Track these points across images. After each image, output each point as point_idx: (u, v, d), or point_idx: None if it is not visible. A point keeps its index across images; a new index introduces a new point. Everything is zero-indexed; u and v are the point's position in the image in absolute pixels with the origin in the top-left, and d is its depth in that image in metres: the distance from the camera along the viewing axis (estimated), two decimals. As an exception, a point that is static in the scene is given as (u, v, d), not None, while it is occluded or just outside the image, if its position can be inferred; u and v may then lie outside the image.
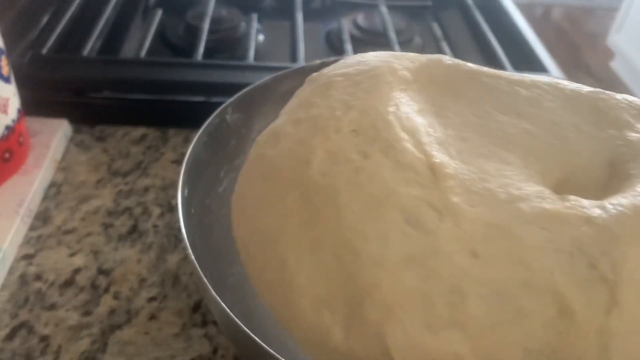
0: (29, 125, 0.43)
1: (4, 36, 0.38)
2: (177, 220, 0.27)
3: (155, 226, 0.40)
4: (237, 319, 0.22)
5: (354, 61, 0.25)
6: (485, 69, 0.26)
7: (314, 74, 0.26)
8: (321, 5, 0.68)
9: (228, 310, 0.22)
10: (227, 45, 0.57)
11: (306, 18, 0.59)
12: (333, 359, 0.19)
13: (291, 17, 0.59)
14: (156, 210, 0.41)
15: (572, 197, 0.19)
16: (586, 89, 0.25)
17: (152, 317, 0.34)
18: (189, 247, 0.25)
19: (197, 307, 0.35)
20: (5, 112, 0.38)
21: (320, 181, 0.19)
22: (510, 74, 0.26)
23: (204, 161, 0.31)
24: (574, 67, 1.98)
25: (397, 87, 0.22)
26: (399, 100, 0.22)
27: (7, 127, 0.39)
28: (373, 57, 0.25)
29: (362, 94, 0.22)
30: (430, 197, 0.18)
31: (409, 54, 0.26)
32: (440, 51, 0.58)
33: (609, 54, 2.03)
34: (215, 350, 0.33)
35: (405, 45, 0.59)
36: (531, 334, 0.17)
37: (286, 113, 0.24)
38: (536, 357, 0.17)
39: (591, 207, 0.18)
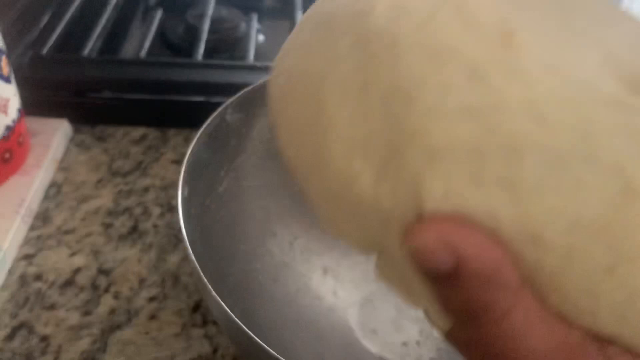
0: (29, 125, 0.43)
1: (4, 36, 0.39)
2: (177, 221, 0.27)
3: (155, 226, 0.40)
4: (238, 320, 0.22)
5: None
6: None
7: None
8: (321, 5, 0.68)
9: (229, 311, 0.22)
10: (227, 45, 0.57)
11: (306, 18, 0.59)
12: (349, 213, 0.17)
13: (291, 17, 0.59)
14: (156, 210, 0.41)
15: None
16: None
17: (152, 317, 0.34)
18: (189, 247, 0.25)
19: (197, 307, 0.35)
20: (5, 112, 0.38)
21: (379, 28, 0.17)
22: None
23: (204, 161, 0.31)
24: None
25: None
26: None
27: (7, 127, 0.39)
28: None
29: None
30: (501, 58, 0.16)
31: None
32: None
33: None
34: (215, 350, 0.33)
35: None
36: (585, 205, 0.15)
37: None
38: (582, 230, 0.16)
39: None
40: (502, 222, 0.16)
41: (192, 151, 0.30)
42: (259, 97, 0.35)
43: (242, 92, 0.34)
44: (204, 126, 0.31)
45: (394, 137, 0.16)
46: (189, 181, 0.29)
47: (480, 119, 0.16)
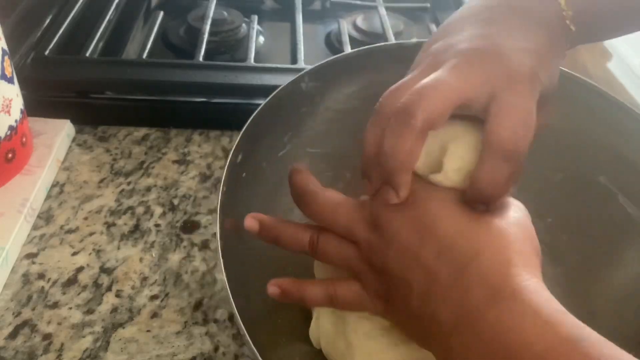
0: (32, 125, 0.43)
1: (7, 37, 0.39)
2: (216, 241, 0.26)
3: (157, 225, 0.40)
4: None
5: None
6: None
7: None
8: (321, 7, 0.68)
9: None
10: (228, 46, 0.58)
11: (306, 20, 0.59)
12: None
13: (291, 19, 0.60)
14: (158, 210, 0.42)
15: None
16: None
17: (154, 315, 0.35)
18: (233, 304, 0.25)
19: (198, 305, 0.35)
20: (8, 112, 0.38)
21: None
22: None
23: (267, 126, 0.31)
24: (571, 67, 1.98)
25: None
26: None
27: (11, 128, 0.39)
28: None
29: None
30: None
31: None
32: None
33: (606, 55, 2.03)
34: (216, 348, 0.33)
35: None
36: None
37: None
38: None
39: None
40: None
41: (256, 115, 0.29)
42: (337, 67, 0.34)
43: (321, 62, 0.34)
44: (275, 91, 0.31)
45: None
46: (246, 145, 0.28)
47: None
